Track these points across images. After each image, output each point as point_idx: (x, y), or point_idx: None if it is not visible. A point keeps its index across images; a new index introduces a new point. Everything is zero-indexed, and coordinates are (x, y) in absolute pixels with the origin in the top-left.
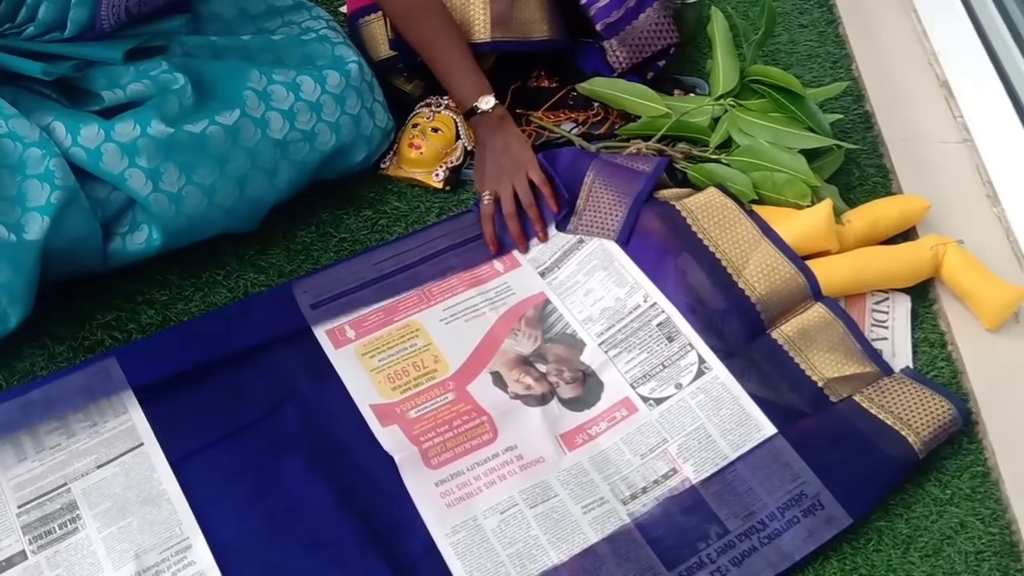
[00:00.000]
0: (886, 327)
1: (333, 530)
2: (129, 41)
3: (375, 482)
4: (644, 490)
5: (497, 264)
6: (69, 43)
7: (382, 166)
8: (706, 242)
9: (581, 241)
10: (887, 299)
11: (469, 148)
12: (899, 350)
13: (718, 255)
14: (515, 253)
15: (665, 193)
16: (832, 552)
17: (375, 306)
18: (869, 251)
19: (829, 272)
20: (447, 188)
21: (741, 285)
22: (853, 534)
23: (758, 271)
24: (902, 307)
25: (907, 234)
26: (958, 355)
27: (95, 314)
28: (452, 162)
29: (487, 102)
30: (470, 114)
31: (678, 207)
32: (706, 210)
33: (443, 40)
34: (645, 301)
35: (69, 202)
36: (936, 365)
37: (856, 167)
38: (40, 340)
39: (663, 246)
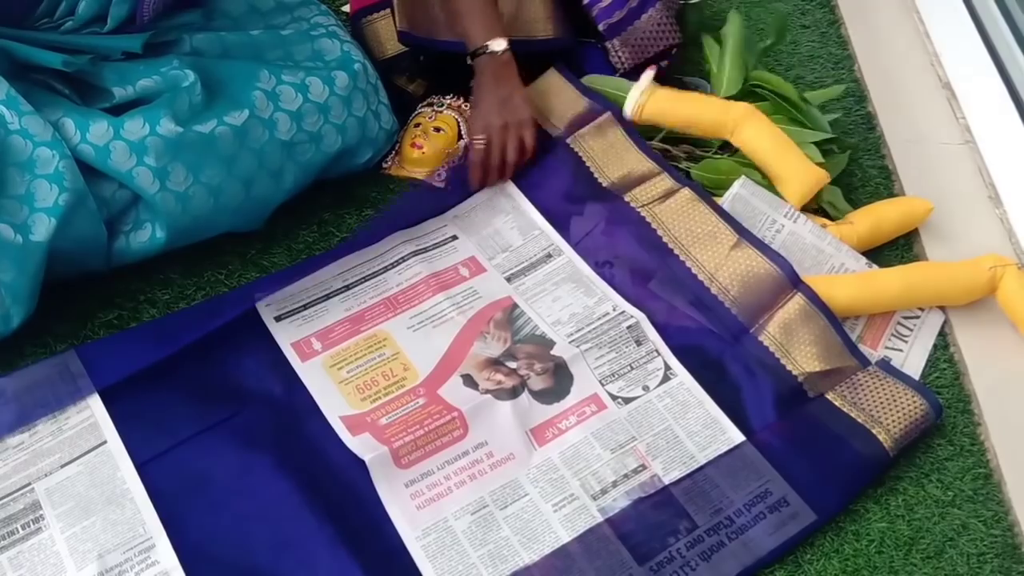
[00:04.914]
0: (906, 340)
1: (303, 531)
2: (147, 31)
3: (346, 485)
4: (614, 484)
5: (463, 270)
6: (88, 36)
7: (384, 165)
8: (676, 251)
9: (549, 256)
10: (919, 316)
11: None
12: (910, 362)
13: (688, 263)
14: (480, 259)
15: (638, 195)
16: (834, 553)
17: (341, 317)
18: (921, 267)
19: (878, 285)
20: (448, 188)
21: (715, 291)
22: (855, 535)
23: (732, 273)
24: (932, 324)
25: (909, 235)
26: (960, 357)
27: (97, 312)
28: (454, 162)
29: (499, 44)
30: (477, 54)
31: (648, 217)
32: (677, 217)
33: None
34: (614, 310)
35: (77, 204)
36: (938, 367)
37: (858, 168)
38: (42, 339)
39: (632, 260)
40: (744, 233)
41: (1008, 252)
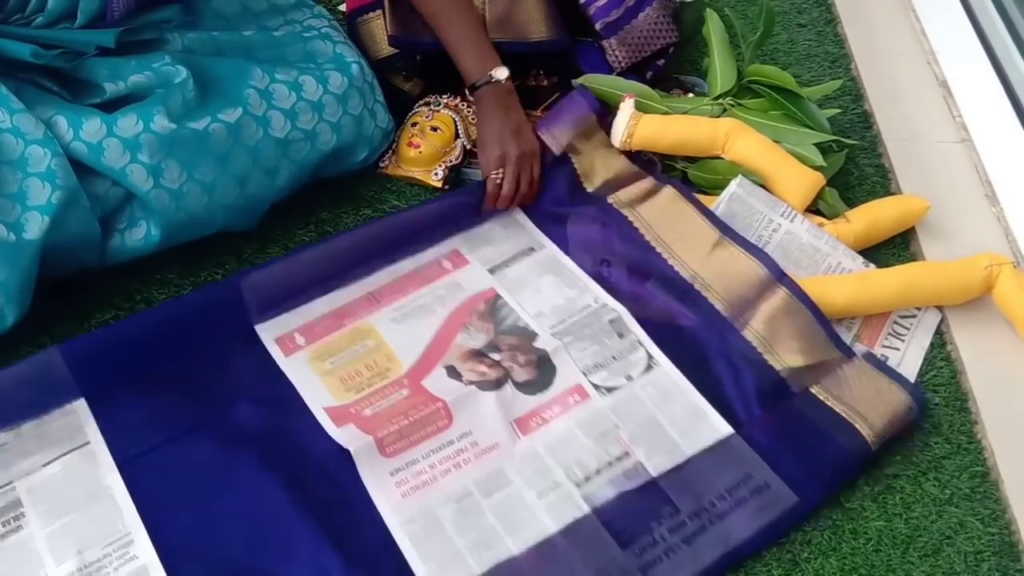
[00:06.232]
0: (903, 339)
1: (285, 526)
2: (120, 27)
3: (330, 476)
4: (598, 471)
5: (445, 263)
6: (60, 31)
7: (381, 165)
8: (659, 249)
9: (531, 249)
10: (915, 315)
11: (468, 147)
12: (907, 361)
13: (672, 261)
14: (463, 252)
15: (620, 196)
16: (831, 552)
17: (324, 312)
18: (918, 267)
19: (875, 287)
20: (446, 187)
21: (698, 287)
22: (853, 534)
23: (715, 270)
24: (928, 323)
25: (906, 234)
26: (957, 355)
27: (94, 313)
28: (451, 161)
29: (502, 72)
30: (479, 85)
31: (630, 217)
32: (659, 216)
33: (456, 9)
34: (595, 302)
35: (70, 202)
36: (935, 365)
37: (855, 167)
38: (39, 339)
39: (616, 256)
40: (727, 230)
41: (1005, 250)
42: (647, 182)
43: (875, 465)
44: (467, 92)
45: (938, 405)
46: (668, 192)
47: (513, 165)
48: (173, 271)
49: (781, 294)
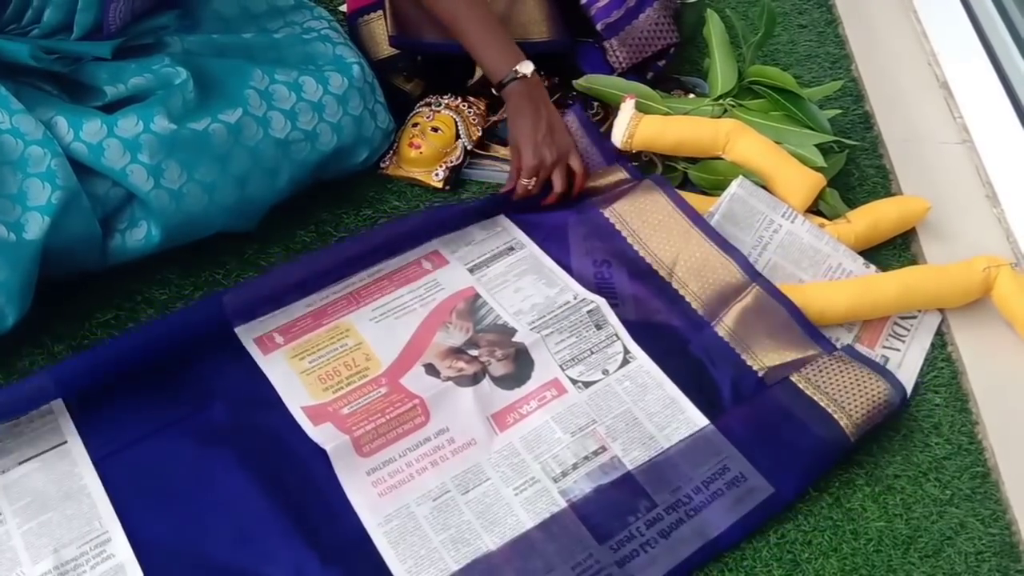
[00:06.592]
0: (903, 340)
1: (262, 524)
2: (117, 39)
3: (306, 475)
4: (574, 466)
5: (425, 263)
6: (57, 42)
7: (382, 165)
8: (636, 247)
9: (511, 249)
10: (916, 316)
11: (469, 147)
12: (908, 362)
13: (648, 259)
14: (443, 252)
15: (601, 198)
16: (832, 552)
17: (304, 312)
18: (917, 270)
19: (875, 292)
20: (447, 188)
21: (675, 286)
22: (853, 534)
23: (688, 267)
24: (929, 324)
25: (906, 235)
26: (958, 356)
27: (95, 313)
28: (452, 161)
29: (527, 67)
30: (506, 83)
31: (607, 214)
32: (635, 212)
33: (473, 10)
34: (575, 299)
35: (70, 202)
36: (936, 366)
37: (856, 167)
38: (39, 339)
39: (591, 253)
40: (703, 226)
41: (1005, 251)
42: (630, 185)
43: (876, 465)
44: (495, 91)
45: (939, 406)
46: (645, 184)
47: (546, 172)
48: (174, 271)
49: (756, 293)
